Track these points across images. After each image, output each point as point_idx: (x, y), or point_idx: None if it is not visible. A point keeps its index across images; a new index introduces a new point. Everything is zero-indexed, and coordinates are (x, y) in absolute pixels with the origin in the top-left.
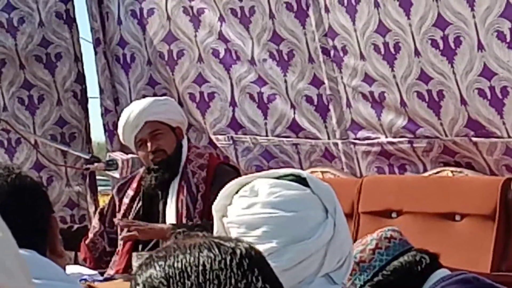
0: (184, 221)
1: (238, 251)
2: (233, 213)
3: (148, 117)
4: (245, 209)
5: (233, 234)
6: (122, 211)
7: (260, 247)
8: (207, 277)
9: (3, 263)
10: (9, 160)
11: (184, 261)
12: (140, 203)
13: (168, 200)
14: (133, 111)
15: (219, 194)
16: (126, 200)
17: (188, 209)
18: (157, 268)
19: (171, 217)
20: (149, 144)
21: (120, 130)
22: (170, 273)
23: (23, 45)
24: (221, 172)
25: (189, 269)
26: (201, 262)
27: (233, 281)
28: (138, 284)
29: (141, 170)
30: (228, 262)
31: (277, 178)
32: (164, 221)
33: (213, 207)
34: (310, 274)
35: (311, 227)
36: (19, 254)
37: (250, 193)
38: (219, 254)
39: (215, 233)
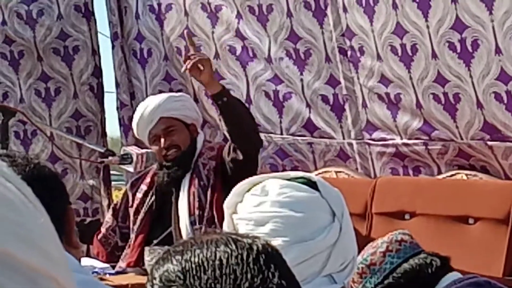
0: (196, 212)
1: (254, 247)
2: (243, 210)
3: (163, 113)
4: (255, 207)
5: (242, 230)
6: (135, 206)
7: None
8: (224, 271)
9: (45, 250)
10: (25, 151)
11: (201, 255)
12: (153, 198)
13: (180, 194)
14: (148, 106)
15: (231, 192)
16: (139, 195)
17: (200, 200)
18: (174, 262)
19: (183, 210)
20: (162, 140)
21: (134, 125)
22: (187, 267)
23: (41, 37)
24: None
25: (205, 263)
26: (217, 257)
27: (249, 276)
28: (155, 278)
29: (155, 166)
30: (244, 258)
31: (288, 179)
32: (176, 214)
33: (225, 204)
34: (312, 273)
35: (316, 229)
36: (58, 239)
37: (261, 192)
38: (235, 249)
39: (224, 229)
